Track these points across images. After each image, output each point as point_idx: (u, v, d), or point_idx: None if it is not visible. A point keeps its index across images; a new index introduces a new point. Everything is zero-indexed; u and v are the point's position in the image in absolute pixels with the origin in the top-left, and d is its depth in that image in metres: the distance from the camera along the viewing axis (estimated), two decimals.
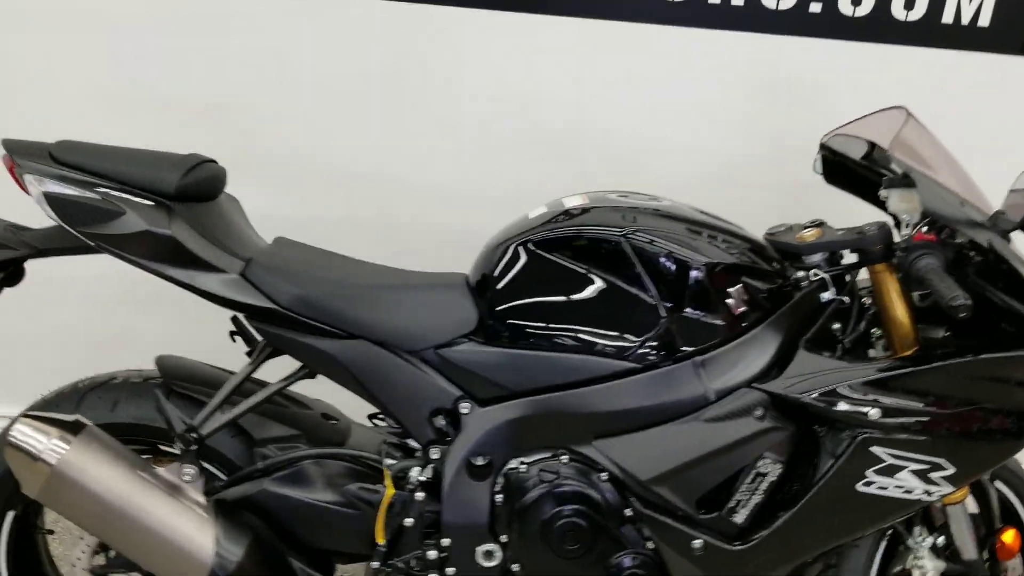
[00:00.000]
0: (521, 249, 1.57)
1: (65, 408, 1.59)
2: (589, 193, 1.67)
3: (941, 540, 1.69)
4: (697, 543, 1.51)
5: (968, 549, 1.68)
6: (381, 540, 1.54)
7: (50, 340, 2.51)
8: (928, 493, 1.50)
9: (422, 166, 2.42)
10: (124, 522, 1.44)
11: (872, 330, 1.60)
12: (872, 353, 1.59)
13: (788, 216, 1.74)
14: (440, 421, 1.58)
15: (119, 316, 2.51)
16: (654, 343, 1.50)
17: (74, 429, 1.44)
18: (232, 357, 1.68)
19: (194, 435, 1.50)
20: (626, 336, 1.51)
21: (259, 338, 1.76)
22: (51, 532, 1.74)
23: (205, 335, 1.72)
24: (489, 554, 1.57)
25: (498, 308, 1.57)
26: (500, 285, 1.57)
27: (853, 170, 1.71)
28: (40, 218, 1.50)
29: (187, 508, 1.48)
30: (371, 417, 1.83)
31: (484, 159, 2.41)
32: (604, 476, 1.54)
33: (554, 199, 1.70)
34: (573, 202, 1.63)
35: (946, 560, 1.69)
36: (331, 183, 2.42)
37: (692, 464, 1.48)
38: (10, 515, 1.64)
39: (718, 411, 1.48)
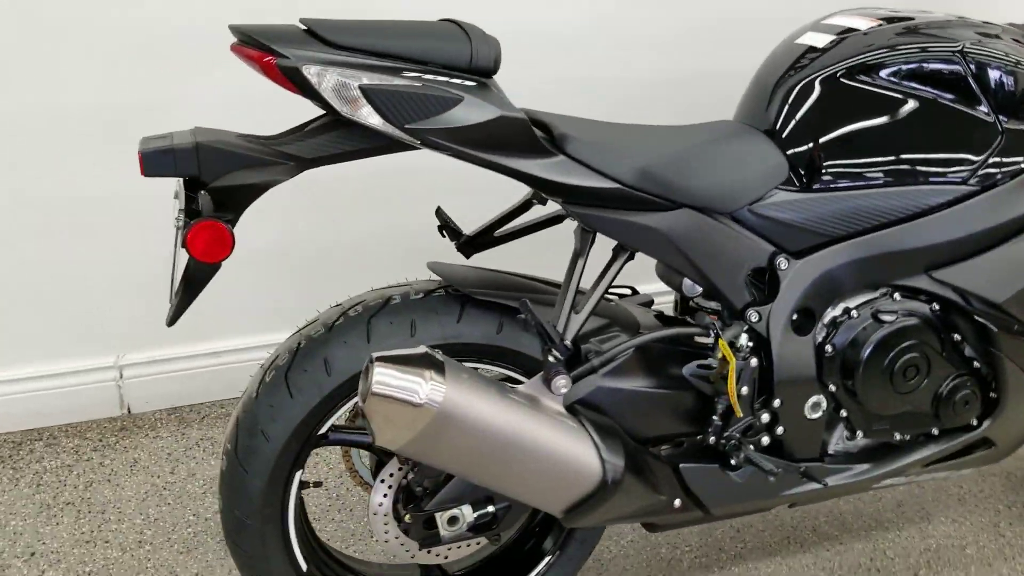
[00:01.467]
0: (825, 82, 1.45)
1: (352, 342, 1.35)
2: (857, 11, 1.55)
3: None
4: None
5: None
6: (740, 413, 1.45)
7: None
8: None
9: None
10: (508, 452, 1.26)
11: None
12: None
13: None
14: (755, 281, 1.48)
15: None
16: (995, 160, 1.45)
17: (436, 363, 1.22)
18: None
19: (567, 343, 1.32)
20: (964, 158, 1.45)
21: (463, 231, 1.60)
22: (319, 484, 1.51)
23: None
24: (816, 406, 1.52)
25: (809, 149, 1.46)
26: (808, 125, 1.46)
27: None
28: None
29: (563, 423, 1.32)
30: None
31: None
32: (936, 306, 1.51)
33: (818, 21, 1.57)
34: (857, 23, 1.50)
35: None
36: None
37: None
38: (298, 475, 1.40)
39: None
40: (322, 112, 1.29)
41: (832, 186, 1.45)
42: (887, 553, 1.90)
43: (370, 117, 1.17)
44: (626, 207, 1.36)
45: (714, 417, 1.49)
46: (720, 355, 1.44)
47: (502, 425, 1.25)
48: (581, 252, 1.39)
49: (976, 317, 1.50)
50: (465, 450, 1.25)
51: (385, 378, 1.18)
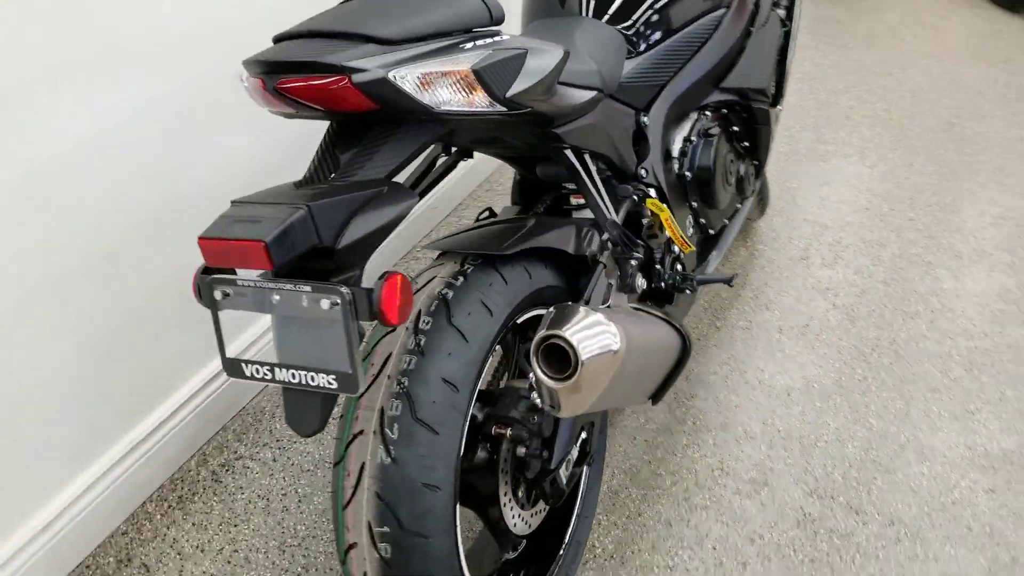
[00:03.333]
0: None
1: (455, 350, 1.24)
2: None
3: None
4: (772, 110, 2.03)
5: None
6: (688, 249, 1.69)
7: None
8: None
9: None
10: (650, 360, 1.34)
11: None
12: None
13: None
14: (634, 143, 1.69)
15: None
16: None
17: (591, 309, 1.22)
18: None
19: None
20: None
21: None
22: None
23: None
24: (689, 223, 1.83)
25: (627, 19, 1.67)
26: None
27: None
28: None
29: (648, 315, 1.41)
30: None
31: None
32: (725, 110, 1.89)
33: None
34: None
35: None
36: None
37: (777, 59, 1.94)
38: (457, 509, 1.27)
39: (762, 16, 1.94)
40: (324, 130, 1.12)
41: (650, 43, 1.70)
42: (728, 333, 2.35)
43: (455, 102, 1.07)
44: (581, 113, 1.44)
45: (656, 266, 1.71)
46: (650, 211, 1.65)
47: (646, 337, 1.32)
48: (579, 163, 1.44)
49: (752, 105, 1.92)
50: (632, 375, 1.29)
51: (585, 341, 1.16)
